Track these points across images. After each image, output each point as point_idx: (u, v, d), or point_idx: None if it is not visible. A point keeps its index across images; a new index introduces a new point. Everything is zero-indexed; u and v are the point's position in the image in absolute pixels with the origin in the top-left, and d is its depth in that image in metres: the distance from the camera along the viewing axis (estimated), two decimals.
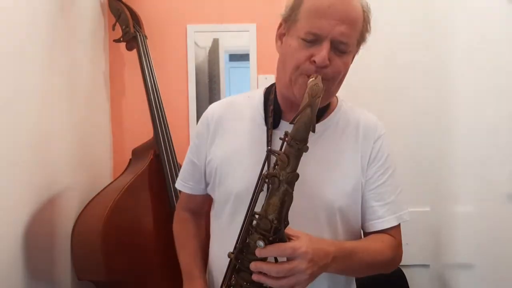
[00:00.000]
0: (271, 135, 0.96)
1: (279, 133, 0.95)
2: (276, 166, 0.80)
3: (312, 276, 0.81)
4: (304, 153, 0.78)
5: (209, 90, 1.94)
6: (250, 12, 1.93)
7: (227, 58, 1.94)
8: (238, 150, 0.99)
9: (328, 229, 0.94)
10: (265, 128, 0.98)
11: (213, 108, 1.07)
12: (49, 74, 1.36)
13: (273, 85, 1.03)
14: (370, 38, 2.02)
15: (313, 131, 0.78)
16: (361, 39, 0.94)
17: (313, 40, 0.88)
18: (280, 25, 0.97)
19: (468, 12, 1.83)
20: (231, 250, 0.85)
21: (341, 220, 0.96)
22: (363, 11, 0.91)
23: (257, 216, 0.81)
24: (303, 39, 0.88)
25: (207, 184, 1.07)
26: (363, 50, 1.99)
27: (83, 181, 1.60)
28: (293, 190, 0.79)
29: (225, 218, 1.00)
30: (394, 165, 1.01)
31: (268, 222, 0.79)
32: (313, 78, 0.81)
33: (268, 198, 0.80)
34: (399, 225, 0.99)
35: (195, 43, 1.92)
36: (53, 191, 1.37)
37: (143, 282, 1.49)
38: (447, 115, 1.88)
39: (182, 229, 1.14)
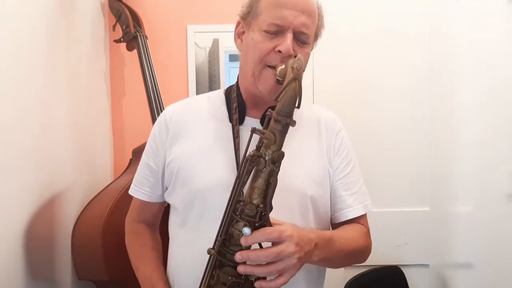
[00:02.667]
0: (237, 131, 0.95)
1: (244, 129, 0.96)
2: (260, 147, 0.77)
3: (300, 261, 0.78)
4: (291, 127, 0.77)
5: (209, 90, 1.94)
6: None
7: (227, 58, 1.94)
8: (203, 148, 0.96)
9: (300, 218, 0.93)
10: (229, 125, 0.97)
11: (172, 109, 1.03)
12: (50, 74, 1.36)
13: (232, 86, 1.03)
14: (371, 38, 2.04)
15: (298, 106, 0.76)
16: (317, 33, 0.97)
17: (276, 32, 0.89)
18: (238, 23, 0.99)
19: (468, 12, 1.83)
20: (201, 254, 0.81)
21: (313, 208, 0.96)
22: (317, 6, 0.95)
23: (240, 203, 0.77)
24: (266, 31, 0.90)
25: (164, 190, 1.02)
26: (364, 51, 2.00)
27: (83, 181, 1.60)
28: (279, 170, 0.77)
29: (191, 222, 0.95)
30: (355, 158, 1.04)
31: (253, 207, 0.75)
32: (293, 57, 0.80)
33: (252, 181, 0.77)
34: (365, 214, 1.02)
35: (195, 43, 1.93)
36: (53, 191, 1.38)
37: None
38: (447, 115, 1.88)
39: (138, 240, 1.07)
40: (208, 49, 1.95)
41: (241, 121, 0.97)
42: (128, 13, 1.76)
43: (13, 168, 1.15)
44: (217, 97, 1.04)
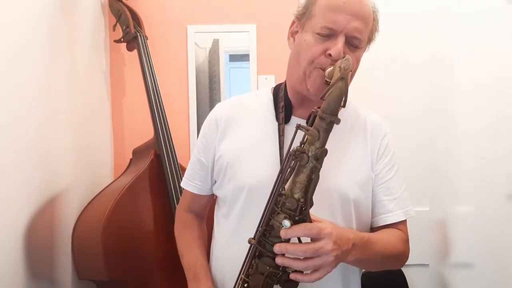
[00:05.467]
0: (283, 130, 0.98)
1: (290, 129, 0.97)
2: (304, 143, 0.79)
3: (337, 260, 0.80)
4: (335, 125, 0.78)
5: (209, 90, 1.94)
6: (250, 13, 1.93)
7: (227, 58, 1.94)
8: (250, 145, 0.99)
9: (342, 220, 0.95)
10: (276, 123, 1.00)
11: (222, 107, 1.08)
12: (50, 74, 1.36)
13: (281, 84, 1.05)
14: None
15: (344, 105, 0.78)
16: (371, 37, 0.98)
17: (328, 35, 0.90)
18: (293, 23, 1.00)
19: (468, 12, 1.83)
20: (242, 246, 0.84)
21: (355, 211, 0.97)
22: (373, 10, 0.96)
23: (282, 196, 0.80)
24: (318, 34, 0.91)
25: (212, 183, 1.07)
26: (365, 52, 1.99)
27: (83, 181, 1.60)
28: (321, 167, 0.79)
29: (235, 215, 0.99)
30: (399, 162, 1.04)
31: (294, 201, 0.78)
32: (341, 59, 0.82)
33: (294, 175, 0.79)
34: (405, 220, 1.02)
35: (195, 43, 1.93)
36: (53, 191, 1.38)
37: (144, 281, 1.49)
38: (447, 115, 1.88)
39: (185, 229, 1.13)
40: (208, 49, 1.95)
41: (287, 120, 1.00)
42: (128, 13, 1.76)
43: (13, 168, 1.15)
44: (265, 95, 1.06)
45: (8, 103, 1.12)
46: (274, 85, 1.09)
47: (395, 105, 1.92)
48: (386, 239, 0.95)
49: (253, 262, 0.84)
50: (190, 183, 1.10)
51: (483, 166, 1.81)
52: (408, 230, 1.03)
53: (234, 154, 1.00)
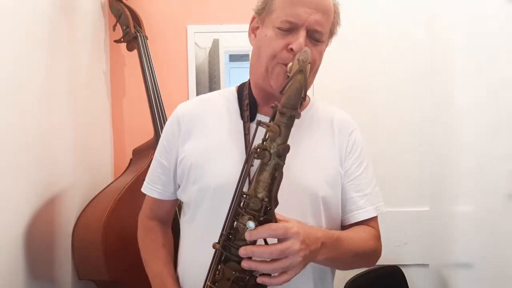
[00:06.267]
0: (248, 128, 0.95)
1: (255, 127, 0.94)
2: (265, 140, 0.76)
3: (305, 260, 0.77)
4: (296, 120, 0.75)
5: (209, 90, 1.94)
6: (250, 12, 1.92)
7: (227, 58, 1.94)
8: (214, 145, 0.96)
9: (312, 219, 0.92)
10: (241, 122, 0.97)
11: (184, 107, 1.04)
12: (50, 74, 1.36)
13: (245, 82, 1.03)
14: (373, 39, 2.04)
15: (304, 99, 0.75)
16: (333, 30, 0.96)
17: (289, 29, 0.88)
18: (253, 19, 0.98)
19: (467, 12, 1.83)
20: (209, 251, 0.80)
21: (324, 210, 0.95)
22: (333, 3, 0.94)
23: (245, 196, 0.76)
24: (279, 28, 0.89)
25: (176, 187, 1.03)
26: (364, 51, 2.00)
27: (84, 181, 1.60)
28: (284, 164, 0.75)
29: (200, 219, 0.95)
30: (368, 158, 1.02)
31: (258, 201, 0.74)
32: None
33: (257, 174, 0.76)
34: (377, 217, 1.00)
35: (195, 43, 1.93)
36: (54, 191, 1.38)
37: (144, 281, 1.49)
38: (447, 115, 1.88)
39: (149, 237, 1.07)
40: (208, 49, 1.95)
41: (252, 118, 0.97)
42: (128, 13, 1.77)
43: (13, 168, 1.15)
44: (230, 93, 1.04)
45: (8, 103, 1.12)
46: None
47: (395, 105, 1.92)
48: (357, 237, 0.93)
49: (219, 267, 0.80)
50: (151, 187, 1.05)
51: (483, 166, 1.81)
52: (379, 227, 1.01)
53: (198, 154, 0.96)
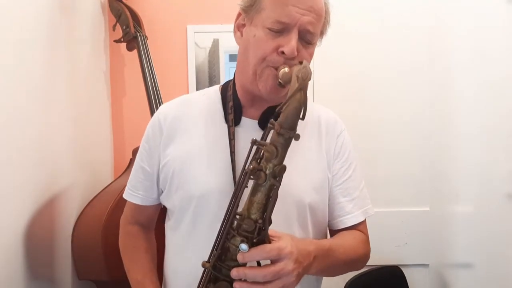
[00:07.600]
0: (233, 133, 0.90)
1: (241, 131, 0.91)
2: (260, 160, 0.73)
3: (298, 277, 0.75)
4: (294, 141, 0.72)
5: None
6: None
7: (227, 58, 1.95)
8: (197, 150, 0.91)
9: (298, 226, 0.90)
10: (225, 125, 0.92)
11: (165, 109, 0.98)
12: (50, 74, 1.36)
13: (229, 81, 0.98)
14: (372, 39, 2.04)
15: (303, 118, 0.72)
16: (323, 30, 0.91)
17: (281, 30, 0.83)
18: (239, 15, 0.92)
19: (467, 12, 1.83)
20: (195, 262, 0.78)
21: (311, 216, 0.92)
22: (325, 2, 0.89)
23: (238, 217, 0.74)
24: (270, 29, 0.84)
25: (159, 193, 0.98)
26: (364, 47, 1.99)
27: (83, 181, 1.60)
28: (280, 185, 0.73)
29: (185, 228, 0.91)
30: (356, 160, 0.99)
31: (251, 222, 0.72)
32: (298, 64, 0.75)
33: (251, 195, 0.73)
34: (365, 220, 0.98)
35: (195, 43, 1.93)
36: (53, 191, 1.38)
37: None
38: (447, 115, 1.88)
39: (131, 243, 1.04)
40: (208, 49, 1.95)
41: (237, 121, 0.92)
42: (128, 13, 1.77)
43: (13, 168, 1.15)
44: (214, 94, 0.99)
45: (8, 103, 1.12)
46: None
47: (395, 105, 1.92)
48: (347, 244, 0.91)
49: (207, 287, 0.77)
50: (133, 194, 1.00)
51: (483, 166, 1.81)
52: (368, 230, 0.99)
53: (181, 160, 0.91)
